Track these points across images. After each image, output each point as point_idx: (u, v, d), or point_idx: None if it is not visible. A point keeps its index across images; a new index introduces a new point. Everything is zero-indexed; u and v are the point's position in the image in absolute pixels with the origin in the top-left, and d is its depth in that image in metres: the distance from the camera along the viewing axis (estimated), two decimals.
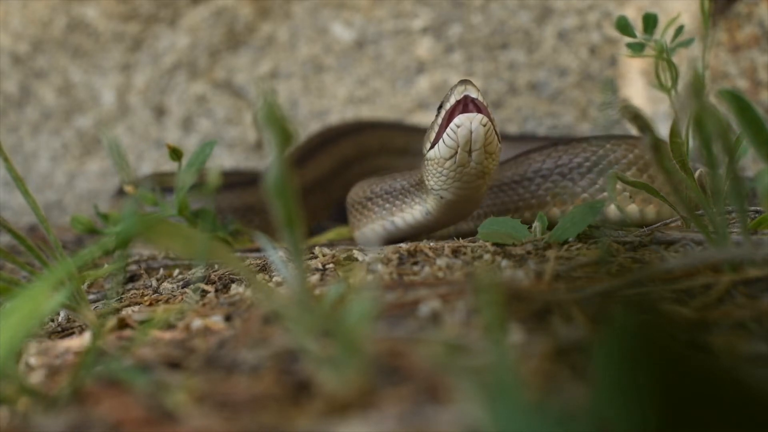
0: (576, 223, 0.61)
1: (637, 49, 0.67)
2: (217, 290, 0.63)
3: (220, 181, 0.73)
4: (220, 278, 0.65)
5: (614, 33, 1.18)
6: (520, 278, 0.53)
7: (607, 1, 1.26)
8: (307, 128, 1.39)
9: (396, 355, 0.39)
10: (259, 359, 0.41)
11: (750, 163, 1.04)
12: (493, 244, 0.64)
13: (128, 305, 0.63)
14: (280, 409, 0.35)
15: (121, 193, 1.14)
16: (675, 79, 0.71)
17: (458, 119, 0.70)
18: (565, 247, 0.62)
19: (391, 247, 0.66)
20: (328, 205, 1.20)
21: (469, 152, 0.71)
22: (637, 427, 0.27)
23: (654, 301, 0.46)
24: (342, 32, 1.38)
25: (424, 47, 1.34)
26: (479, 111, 0.70)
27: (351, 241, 0.91)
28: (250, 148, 1.45)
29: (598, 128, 1.21)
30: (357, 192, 0.88)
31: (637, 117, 0.52)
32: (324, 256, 0.67)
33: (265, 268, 0.68)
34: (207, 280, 0.65)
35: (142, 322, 0.54)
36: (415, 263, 0.61)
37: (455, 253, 0.63)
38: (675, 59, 0.74)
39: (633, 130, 0.80)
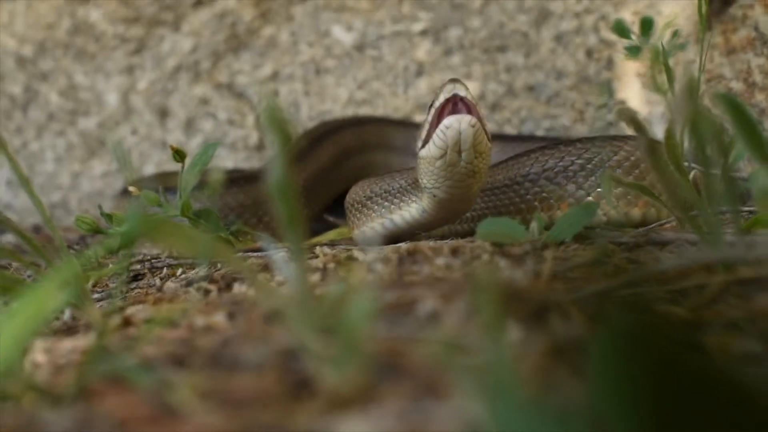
0: (572, 224, 0.61)
1: (634, 52, 0.68)
2: (219, 289, 0.63)
3: (223, 182, 0.74)
4: (222, 277, 0.66)
5: (611, 36, 1.19)
6: (519, 278, 0.53)
7: (604, 5, 1.26)
8: None
9: (396, 354, 0.39)
10: (261, 357, 0.42)
11: (744, 164, 1.05)
12: (492, 244, 0.64)
13: (132, 304, 0.63)
14: (281, 406, 0.36)
15: (124, 193, 1.15)
16: (671, 81, 0.72)
17: (447, 120, 0.71)
18: (562, 247, 0.62)
19: (390, 247, 0.67)
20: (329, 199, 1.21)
21: (459, 152, 0.71)
22: (633, 425, 0.27)
23: (649, 300, 0.47)
24: (342, 35, 1.38)
25: (424, 50, 1.35)
26: (469, 110, 0.71)
27: (351, 240, 0.91)
28: (252, 150, 1.45)
29: (595, 130, 1.21)
30: (356, 192, 0.88)
31: (633, 119, 0.52)
32: (325, 255, 0.68)
33: (267, 268, 0.68)
34: (210, 279, 0.66)
35: (146, 321, 0.55)
36: (415, 263, 0.61)
37: (454, 253, 0.63)
38: (671, 62, 0.74)
39: (628, 131, 0.81)
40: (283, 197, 0.40)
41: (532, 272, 0.54)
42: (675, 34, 0.75)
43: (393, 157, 1.25)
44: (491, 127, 1.33)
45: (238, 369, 0.41)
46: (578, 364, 0.37)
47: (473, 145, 0.71)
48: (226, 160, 1.43)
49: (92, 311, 0.57)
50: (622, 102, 1.22)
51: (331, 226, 1.15)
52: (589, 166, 0.83)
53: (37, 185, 1.48)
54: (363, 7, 1.37)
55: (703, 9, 0.78)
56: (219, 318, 0.52)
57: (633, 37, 0.75)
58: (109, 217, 0.77)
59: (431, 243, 0.69)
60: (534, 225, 0.69)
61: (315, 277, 0.61)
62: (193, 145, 1.44)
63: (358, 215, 0.86)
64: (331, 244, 0.89)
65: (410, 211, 0.81)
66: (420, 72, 1.36)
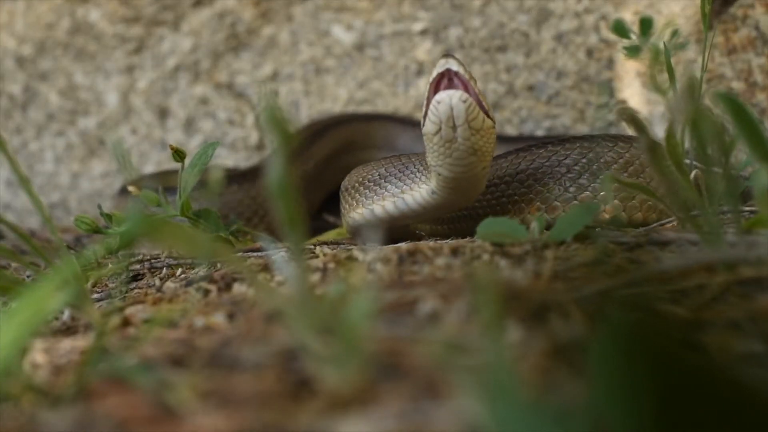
0: (572, 224, 0.61)
1: (633, 52, 0.68)
2: (219, 289, 0.63)
3: (223, 182, 0.74)
4: (222, 277, 0.66)
5: (611, 35, 1.19)
6: (519, 278, 0.53)
7: (605, 4, 1.26)
8: None
9: (396, 354, 0.39)
10: (261, 357, 0.42)
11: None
12: (492, 244, 0.64)
13: (132, 304, 0.63)
14: (281, 406, 0.36)
15: (123, 193, 1.15)
16: (671, 81, 0.72)
17: (438, 95, 0.71)
18: (563, 247, 0.62)
19: (390, 247, 0.67)
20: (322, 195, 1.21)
21: (454, 128, 0.71)
22: (633, 425, 0.27)
23: (649, 300, 0.47)
24: (342, 35, 1.38)
25: (424, 49, 1.35)
26: (465, 87, 0.71)
27: (351, 240, 0.91)
28: (252, 149, 1.45)
29: (595, 130, 1.21)
30: (361, 173, 0.87)
31: (633, 119, 0.52)
32: (325, 255, 0.68)
33: (266, 268, 0.68)
34: (209, 279, 0.66)
35: (145, 321, 0.55)
36: (415, 263, 0.61)
37: (454, 252, 0.63)
38: (672, 61, 0.74)
39: (629, 131, 0.80)
40: (282, 197, 0.40)
41: (532, 272, 0.54)
42: (675, 33, 0.75)
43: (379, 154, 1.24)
44: None
45: (237, 369, 0.41)
46: (578, 364, 0.36)
47: (467, 121, 0.71)
48: (226, 160, 1.43)
49: (92, 311, 0.57)
50: (623, 102, 1.22)
51: (332, 226, 1.15)
52: (576, 167, 0.82)
53: (37, 185, 1.48)
54: (363, 6, 1.37)
55: (707, 9, 0.78)
56: (219, 318, 0.52)
57: (633, 36, 0.75)
58: (108, 217, 0.77)
59: (431, 243, 0.69)
60: (535, 224, 0.69)
61: (315, 277, 0.61)
62: (192, 145, 1.44)
63: (360, 196, 0.85)
64: (331, 243, 0.89)
65: (420, 191, 0.80)
66: (420, 72, 1.36)
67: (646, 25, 0.73)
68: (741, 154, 0.80)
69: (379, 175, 0.84)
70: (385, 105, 1.37)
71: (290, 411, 0.35)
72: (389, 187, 0.83)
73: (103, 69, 1.47)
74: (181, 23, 1.44)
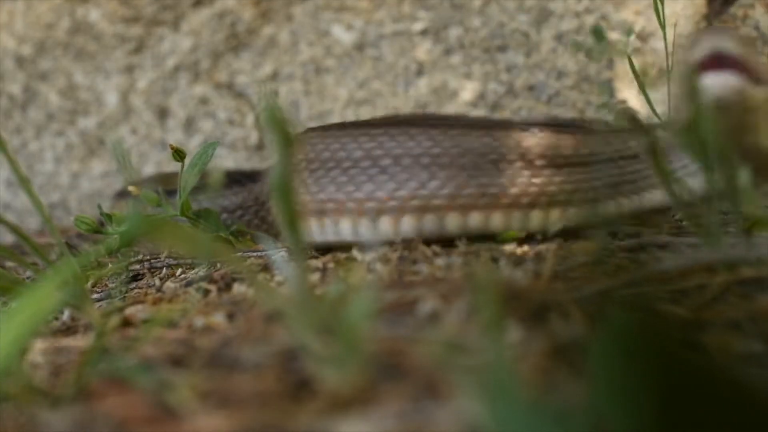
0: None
1: (597, 57, 0.68)
2: (219, 289, 0.63)
3: (223, 182, 0.74)
4: (222, 278, 0.66)
5: (612, 35, 1.19)
6: (519, 278, 0.53)
7: (605, 4, 1.26)
8: None
9: (396, 354, 0.39)
10: (261, 357, 0.42)
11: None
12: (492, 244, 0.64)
13: (132, 304, 0.63)
14: (281, 406, 0.36)
15: (122, 195, 1.15)
16: (652, 80, 0.72)
17: (708, 78, 0.56)
18: (564, 247, 0.62)
19: (390, 247, 0.67)
20: None
21: (725, 110, 0.56)
22: (633, 425, 0.27)
23: (650, 300, 0.47)
24: (342, 34, 1.38)
25: (424, 49, 1.35)
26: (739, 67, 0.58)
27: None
28: (252, 149, 1.45)
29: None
30: None
31: (633, 119, 0.52)
32: (325, 255, 0.67)
33: (267, 268, 0.68)
34: (209, 279, 0.66)
35: (145, 321, 0.55)
36: (415, 263, 0.61)
37: (454, 252, 0.63)
38: (671, 60, 0.74)
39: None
40: (283, 197, 0.40)
41: (532, 272, 0.54)
42: (630, 32, 0.75)
43: None
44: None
45: (237, 369, 0.41)
46: (579, 364, 0.37)
47: (742, 106, 0.57)
48: (226, 160, 1.43)
49: (91, 311, 0.57)
50: (623, 102, 1.22)
51: None
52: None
53: (37, 185, 1.48)
54: (363, 6, 1.37)
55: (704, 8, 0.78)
56: (218, 318, 0.52)
57: (632, 38, 0.75)
58: (108, 216, 0.77)
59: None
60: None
61: (315, 277, 0.61)
62: (192, 145, 1.44)
63: None
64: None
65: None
66: (420, 72, 1.36)
67: (598, 35, 0.72)
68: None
69: None
70: (385, 105, 1.37)
71: (290, 411, 0.35)
72: None
73: (102, 69, 1.47)
74: (181, 23, 1.44)
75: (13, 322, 0.38)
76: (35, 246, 0.59)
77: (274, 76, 1.41)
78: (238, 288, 0.63)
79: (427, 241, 0.68)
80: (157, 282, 0.73)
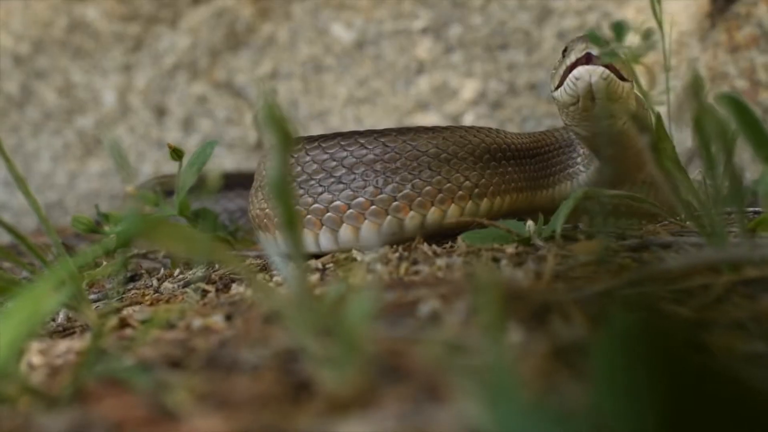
0: (557, 218, 0.62)
1: (610, 57, 0.69)
2: (217, 290, 0.63)
3: (221, 182, 0.73)
4: (220, 278, 0.65)
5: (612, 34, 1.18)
6: (519, 278, 0.53)
7: (606, 3, 1.26)
8: (307, 128, 1.39)
9: (396, 355, 0.39)
10: (260, 359, 0.41)
11: (749, 164, 1.05)
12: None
13: (129, 305, 0.63)
14: (280, 408, 0.36)
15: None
16: (652, 81, 0.73)
17: (577, 71, 0.70)
18: (564, 247, 0.62)
19: (390, 247, 0.66)
20: None
21: (593, 100, 0.71)
22: (635, 426, 0.27)
23: (653, 300, 0.46)
24: (342, 33, 1.38)
25: (424, 48, 1.35)
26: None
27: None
28: (251, 149, 1.45)
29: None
30: None
31: (635, 117, 0.52)
32: (324, 255, 0.67)
33: (265, 268, 0.68)
34: (207, 280, 0.66)
35: (143, 322, 0.55)
36: (415, 263, 0.61)
37: (454, 253, 0.63)
38: (675, 60, 0.75)
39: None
40: (281, 197, 0.40)
41: (533, 272, 0.54)
42: (648, 34, 0.76)
43: None
44: (493, 126, 1.33)
45: (236, 370, 0.41)
46: (580, 365, 0.36)
47: (607, 94, 0.70)
48: (225, 159, 1.42)
49: (88, 312, 0.57)
50: None
51: None
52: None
53: (34, 185, 1.48)
54: (363, 5, 1.37)
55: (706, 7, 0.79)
56: (217, 319, 0.52)
57: (630, 38, 0.76)
58: (105, 216, 0.77)
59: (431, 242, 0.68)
60: (530, 223, 0.69)
61: (314, 278, 0.61)
62: (190, 144, 1.43)
63: None
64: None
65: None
66: (420, 70, 1.35)
67: (619, 30, 0.73)
68: (744, 153, 0.80)
69: None
70: (385, 103, 1.37)
71: (289, 413, 0.35)
72: None
73: (100, 67, 1.47)
74: (179, 21, 1.44)
75: (10, 323, 0.38)
76: (32, 246, 0.59)
77: (273, 74, 1.41)
78: (236, 288, 0.62)
79: (428, 241, 0.68)
80: (155, 282, 0.73)
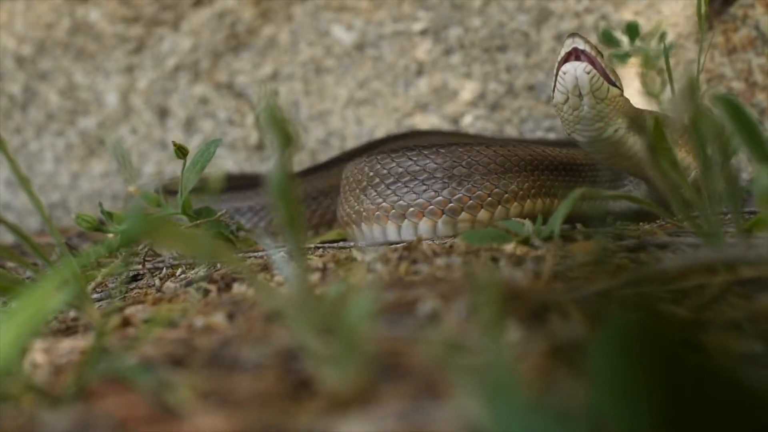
0: (554, 219, 0.62)
1: (623, 58, 0.69)
2: (219, 289, 0.63)
3: (223, 183, 0.74)
4: (222, 277, 0.66)
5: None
6: (519, 278, 0.53)
7: (605, 4, 1.26)
8: (308, 129, 1.39)
9: (396, 354, 0.39)
10: (261, 357, 0.42)
11: (745, 164, 1.05)
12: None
13: (132, 304, 0.63)
14: (281, 406, 0.36)
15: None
16: (665, 84, 0.74)
17: (564, 67, 0.77)
18: (563, 247, 0.62)
19: (390, 247, 0.67)
20: None
21: (580, 96, 0.77)
22: (633, 425, 0.27)
23: (650, 300, 0.47)
24: (342, 35, 1.38)
25: (424, 49, 1.35)
26: (591, 61, 0.76)
27: (345, 240, 0.91)
28: (252, 149, 1.45)
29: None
30: None
31: (633, 119, 0.52)
32: (324, 255, 0.67)
33: (267, 268, 0.68)
34: (209, 279, 0.66)
35: (145, 321, 0.55)
36: (415, 262, 0.61)
37: (454, 252, 0.63)
38: (672, 62, 0.75)
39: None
40: (283, 197, 0.40)
41: (532, 272, 0.54)
42: (663, 36, 0.78)
43: None
44: (492, 127, 1.33)
45: (237, 369, 0.41)
46: (579, 364, 0.36)
47: (591, 91, 0.76)
48: (226, 160, 1.43)
49: (92, 311, 0.57)
50: None
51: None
52: None
53: (37, 185, 1.48)
54: (363, 6, 1.37)
55: (703, 9, 0.79)
56: (219, 318, 0.52)
57: (625, 41, 0.77)
58: (109, 215, 0.77)
59: (431, 242, 0.68)
60: (528, 223, 0.69)
61: (315, 277, 0.61)
62: (192, 145, 1.43)
63: None
64: (331, 243, 0.88)
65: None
66: (420, 71, 1.36)
67: (633, 30, 0.75)
68: (740, 154, 0.80)
69: None
70: (385, 105, 1.37)
71: (290, 411, 0.35)
72: None
73: (102, 69, 1.47)
74: (181, 23, 1.44)
75: (14, 322, 0.38)
76: (35, 246, 0.59)
77: (274, 76, 1.41)
78: (238, 288, 0.63)
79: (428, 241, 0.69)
80: (157, 282, 0.73)
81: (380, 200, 0.84)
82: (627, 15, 1.22)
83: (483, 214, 0.81)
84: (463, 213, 0.81)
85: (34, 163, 1.51)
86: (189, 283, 0.68)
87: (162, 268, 0.78)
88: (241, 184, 1.16)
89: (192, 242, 0.42)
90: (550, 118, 1.30)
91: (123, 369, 0.41)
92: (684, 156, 0.81)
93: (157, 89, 1.46)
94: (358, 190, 0.86)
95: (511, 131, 1.32)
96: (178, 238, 0.41)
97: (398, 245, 0.70)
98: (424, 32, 1.34)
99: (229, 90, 1.44)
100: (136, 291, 0.70)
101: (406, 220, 0.82)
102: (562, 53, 0.77)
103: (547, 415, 0.29)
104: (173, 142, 0.78)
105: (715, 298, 0.48)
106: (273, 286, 0.62)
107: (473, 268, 0.58)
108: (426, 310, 0.46)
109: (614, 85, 0.78)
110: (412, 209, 0.82)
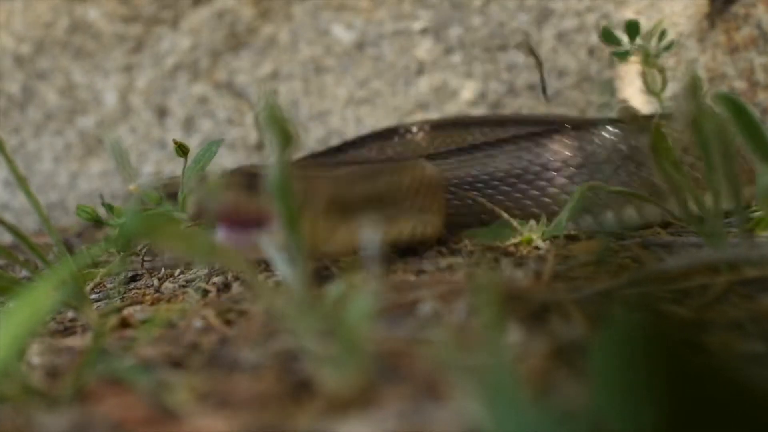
0: (558, 221, 0.62)
1: (623, 56, 0.69)
2: (218, 290, 0.63)
3: (221, 182, 0.73)
4: (221, 277, 0.66)
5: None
6: (519, 278, 0.53)
7: (606, 3, 1.26)
8: (307, 129, 1.39)
9: (396, 354, 0.39)
10: (260, 358, 0.42)
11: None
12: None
13: (130, 304, 0.63)
14: (281, 408, 0.36)
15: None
16: (664, 83, 0.73)
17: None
18: (564, 246, 0.62)
19: (390, 247, 0.66)
20: None
21: None
22: (635, 426, 0.27)
23: (651, 300, 0.46)
24: (342, 34, 1.38)
25: (424, 49, 1.35)
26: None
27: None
28: (252, 149, 1.45)
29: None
30: None
31: (634, 118, 0.52)
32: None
33: (266, 268, 0.68)
34: (208, 279, 0.66)
35: (144, 322, 0.55)
36: (415, 262, 0.61)
37: (454, 252, 0.63)
38: (672, 61, 0.75)
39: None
40: (282, 196, 0.40)
41: (532, 272, 0.54)
42: (663, 34, 0.76)
43: None
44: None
45: (236, 370, 0.41)
46: (580, 364, 0.36)
47: None
48: (226, 159, 1.42)
49: (89, 312, 0.57)
50: (624, 101, 1.22)
51: None
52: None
53: (35, 185, 1.48)
54: (363, 6, 1.37)
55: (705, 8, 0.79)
56: (218, 318, 0.52)
57: (626, 40, 0.76)
58: (110, 207, 0.76)
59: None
60: (532, 223, 0.69)
61: (315, 277, 0.61)
62: (192, 145, 1.43)
63: None
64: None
65: None
66: (420, 71, 1.36)
67: (633, 29, 0.73)
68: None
69: None
70: (386, 104, 1.37)
71: (290, 412, 0.35)
72: None
73: (101, 68, 1.47)
74: (180, 22, 1.44)
75: (11, 322, 0.38)
76: (33, 246, 0.59)
77: (274, 75, 1.41)
78: (237, 288, 0.62)
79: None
80: (156, 282, 0.73)
81: None
82: (628, 14, 1.22)
83: None
84: None
85: (33, 163, 1.51)
86: (188, 283, 0.68)
87: (161, 268, 0.78)
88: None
89: (192, 242, 0.42)
90: None
91: (121, 370, 0.41)
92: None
93: (156, 88, 1.45)
94: None
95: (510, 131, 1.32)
96: (177, 238, 0.40)
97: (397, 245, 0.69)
98: (424, 31, 1.34)
99: (229, 89, 1.44)
100: (134, 291, 0.70)
101: None
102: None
103: (547, 416, 0.28)
104: (174, 140, 0.77)
105: (717, 298, 0.47)
106: (272, 286, 0.62)
107: (474, 269, 0.58)
108: (426, 311, 0.46)
109: None
110: None
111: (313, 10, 1.38)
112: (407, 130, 1.17)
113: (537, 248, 0.63)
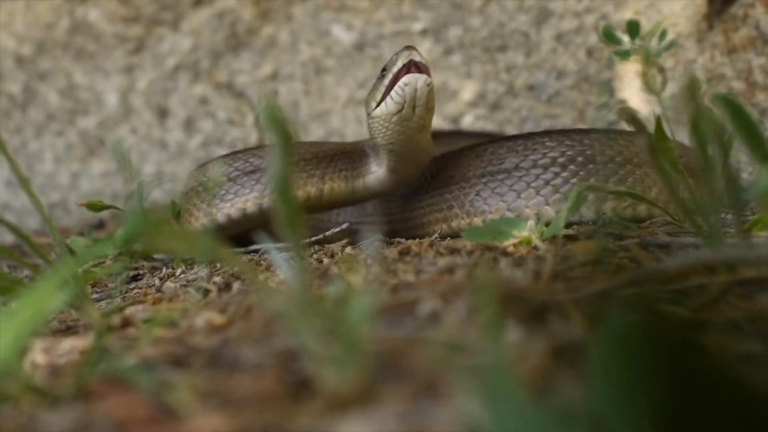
0: (556, 221, 0.62)
1: (624, 56, 0.69)
2: (219, 289, 0.63)
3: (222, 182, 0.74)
4: (222, 277, 0.66)
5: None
6: (519, 278, 0.53)
7: (605, 4, 1.26)
8: (307, 129, 1.39)
9: (396, 354, 0.39)
10: (261, 358, 0.42)
11: (745, 165, 1.05)
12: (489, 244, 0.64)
13: (132, 304, 0.63)
14: (281, 407, 0.36)
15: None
16: (664, 82, 0.73)
17: (405, 78, 0.78)
18: (563, 246, 0.62)
19: (390, 247, 0.67)
20: None
21: (414, 108, 0.79)
22: (633, 426, 0.27)
23: (650, 300, 0.47)
24: (342, 34, 1.38)
25: (424, 49, 1.35)
26: (428, 74, 0.78)
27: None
28: None
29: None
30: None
31: (633, 118, 0.52)
32: (325, 255, 0.67)
33: (267, 268, 0.68)
34: (209, 279, 0.66)
35: (145, 321, 0.55)
36: (415, 262, 0.61)
37: (454, 252, 0.63)
38: (671, 62, 0.75)
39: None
40: (283, 197, 0.40)
41: (532, 272, 0.54)
42: (664, 34, 0.77)
43: None
44: (492, 127, 1.33)
45: (237, 369, 0.41)
46: (578, 364, 0.36)
47: (426, 102, 0.79)
48: None
49: (91, 311, 0.57)
50: (623, 101, 1.22)
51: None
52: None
53: (36, 185, 1.48)
54: (363, 6, 1.37)
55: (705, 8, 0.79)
56: (218, 318, 0.52)
57: (625, 40, 0.76)
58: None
59: (429, 242, 0.68)
60: (531, 222, 0.69)
61: (315, 277, 0.61)
62: (192, 145, 1.44)
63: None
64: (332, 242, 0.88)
65: (376, 174, 0.86)
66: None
67: (633, 28, 0.74)
68: (741, 154, 0.80)
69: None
70: None
71: (290, 411, 0.35)
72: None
73: (102, 69, 1.47)
74: (181, 23, 1.44)
75: (14, 322, 0.38)
76: (35, 246, 0.59)
77: (274, 76, 1.41)
78: (237, 288, 0.63)
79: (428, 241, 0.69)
80: (157, 282, 0.73)
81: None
82: (627, 15, 1.22)
83: None
84: None
85: (34, 163, 1.51)
86: (189, 283, 0.68)
87: (162, 268, 0.78)
88: None
89: (192, 242, 0.42)
90: (550, 118, 1.30)
91: (123, 369, 0.41)
92: None
93: (157, 89, 1.46)
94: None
95: (511, 131, 1.32)
96: (178, 238, 0.41)
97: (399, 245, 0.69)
98: (424, 32, 1.34)
99: (229, 90, 1.44)
100: (135, 291, 0.70)
101: None
102: (399, 64, 0.78)
103: (546, 416, 0.29)
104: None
105: (715, 298, 0.48)
106: (273, 286, 0.62)
107: (473, 269, 0.58)
108: (426, 311, 0.46)
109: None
110: None
111: (313, 10, 1.39)
112: None
113: (536, 248, 0.63)
